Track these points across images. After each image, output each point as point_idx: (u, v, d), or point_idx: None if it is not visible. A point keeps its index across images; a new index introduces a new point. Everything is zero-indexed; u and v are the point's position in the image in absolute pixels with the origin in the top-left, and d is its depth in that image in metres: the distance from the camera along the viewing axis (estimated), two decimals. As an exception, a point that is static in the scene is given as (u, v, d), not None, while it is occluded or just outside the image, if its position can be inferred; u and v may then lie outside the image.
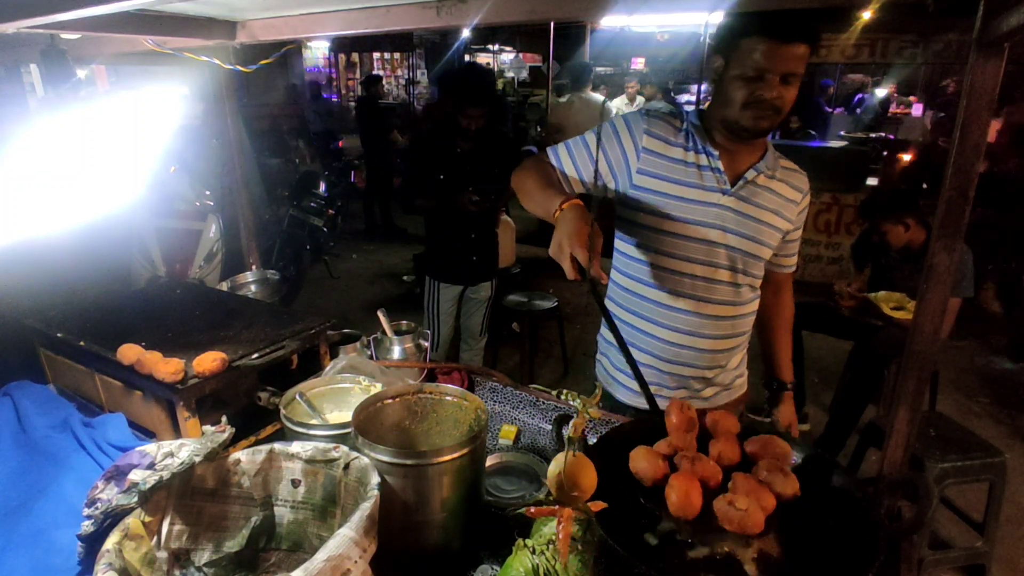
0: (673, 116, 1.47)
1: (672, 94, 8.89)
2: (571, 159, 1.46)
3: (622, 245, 1.53)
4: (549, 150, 1.50)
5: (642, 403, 1.54)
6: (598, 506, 0.90)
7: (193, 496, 1.06)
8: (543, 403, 1.71)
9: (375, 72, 11.96)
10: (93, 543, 0.92)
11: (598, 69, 9.43)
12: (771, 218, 1.45)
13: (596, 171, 1.43)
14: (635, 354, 1.51)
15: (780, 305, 1.68)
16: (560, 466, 0.91)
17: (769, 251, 1.49)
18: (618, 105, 6.94)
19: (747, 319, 1.55)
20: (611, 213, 1.46)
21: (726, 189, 1.41)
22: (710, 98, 1.47)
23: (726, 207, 1.42)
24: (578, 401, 0.97)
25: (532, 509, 0.98)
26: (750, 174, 1.42)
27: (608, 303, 1.58)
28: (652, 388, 1.52)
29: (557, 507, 0.92)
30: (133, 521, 0.94)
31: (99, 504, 0.95)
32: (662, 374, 1.53)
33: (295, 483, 1.09)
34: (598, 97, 6.02)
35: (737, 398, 1.65)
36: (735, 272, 1.45)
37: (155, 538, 0.99)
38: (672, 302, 1.46)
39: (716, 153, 1.41)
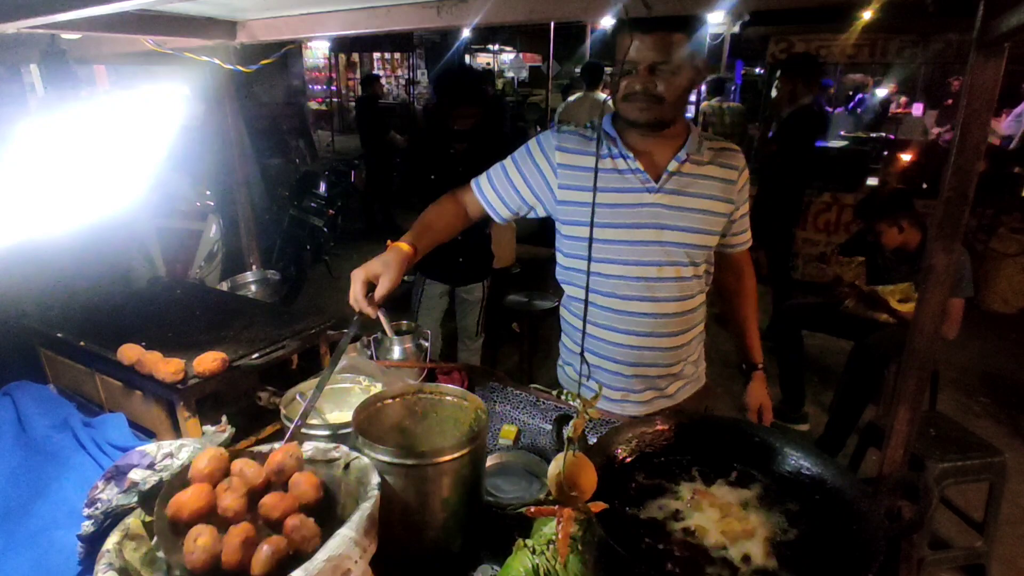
0: (584, 128, 1.49)
1: None
2: (493, 189, 1.51)
3: (565, 260, 1.53)
4: (472, 182, 1.54)
5: (608, 409, 1.56)
6: (598, 506, 0.90)
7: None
8: (543, 403, 1.71)
9: (374, 72, 11.95)
10: (93, 543, 0.92)
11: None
12: (709, 204, 1.44)
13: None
14: (598, 362, 1.53)
15: (742, 287, 1.68)
16: (560, 466, 0.91)
17: (715, 238, 1.48)
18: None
19: (701, 308, 1.55)
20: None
21: (651, 187, 1.41)
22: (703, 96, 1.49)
23: (657, 204, 1.41)
24: (578, 401, 0.97)
25: (532, 509, 0.98)
26: (672, 165, 1.41)
27: (564, 312, 1.62)
28: (619, 394, 1.55)
29: (557, 507, 0.92)
30: (133, 521, 0.94)
31: (99, 504, 0.95)
32: (627, 378, 1.52)
33: (295, 483, 1.09)
34: (601, 96, 6.06)
35: (700, 390, 1.65)
36: (681, 266, 1.44)
37: (155, 538, 0.99)
38: (625, 307, 1.46)
39: (631, 154, 1.41)
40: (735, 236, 1.57)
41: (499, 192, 1.50)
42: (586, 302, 1.49)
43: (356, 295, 1.27)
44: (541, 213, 1.53)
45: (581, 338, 1.53)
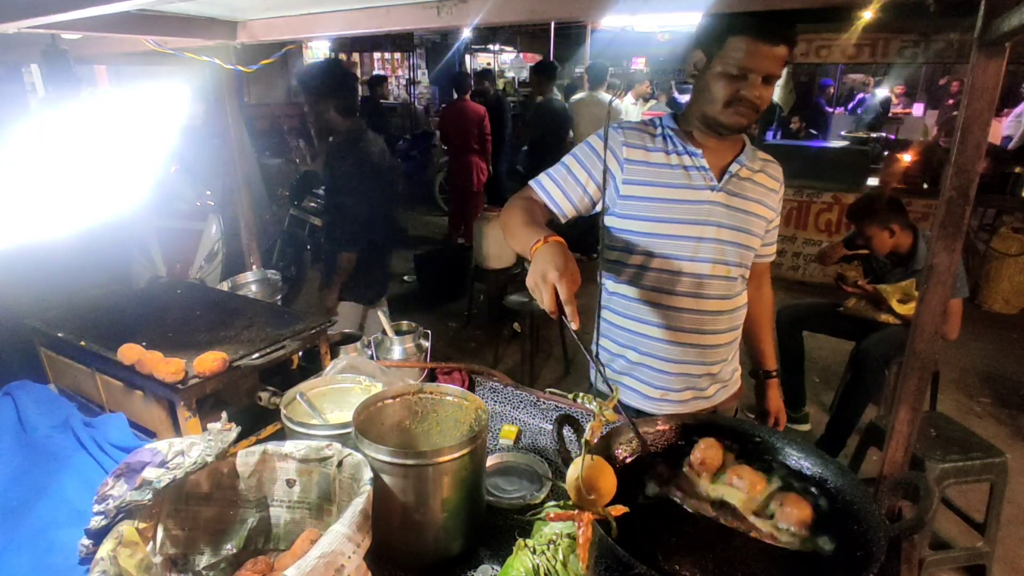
0: (646, 124, 1.50)
1: (677, 94, 8.89)
2: (557, 187, 1.47)
3: (615, 255, 1.52)
4: (532, 183, 1.51)
5: (645, 408, 1.55)
6: (618, 510, 0.89)
7: (188, 501, 1.05)
8: (544, 403, 1.71)
9: (377, 72, 11.95)
10: (101, 539, 0.92)
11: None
12: (757, 208, 1.49)
13: (605, 169, 1.43)
14: (639, 358, 1.53)
15: (761, 296, 1.72)
16: (578, 470, 0.90)
17: (759, 241, 1.52)
18: (626, 105, 6.98)
19: (743, 310, 1.57)
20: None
21: (714, 185, 1.44)
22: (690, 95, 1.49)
23: (716, 203, 1.44)
24: (595, 404, 0.96)
25: (552, 514, 0.96)
26: (734, 167, 1.45)
27: (606, 312, 1.59)
28: (658, 392, 1.54)
29: (577, 511, 0.91)
30: (127, 528, 0.93)
31: (111, 500, 0.95)
32: (668, 376, 1.52)
33: (290, 483, 1.09)
34: (606, 97, 6.09)
35: (734, 393, 1.67)
36: (730, 265, 1.48)
37: (150, 544, 0.99)
38: (672, 302, 1.47)
39: (699, 152, 1.43)
40: (767, 246, 1.61)
41: (564, 189, 1.47)
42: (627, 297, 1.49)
43: (556, 302, 1.06)
44: (599, 208, 1.49)
45: (595, 332, 1.53)
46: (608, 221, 1.49)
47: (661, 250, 1.44)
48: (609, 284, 1.56)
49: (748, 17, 1.26)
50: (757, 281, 1.68)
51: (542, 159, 4.87)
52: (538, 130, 6.06)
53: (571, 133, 6.07)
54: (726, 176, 1.44)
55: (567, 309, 1.04)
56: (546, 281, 1.06)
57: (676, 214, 1.43)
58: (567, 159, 1.49)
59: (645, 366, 1.53)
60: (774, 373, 1.76)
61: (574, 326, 1.04)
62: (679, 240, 1.44)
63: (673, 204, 1.43)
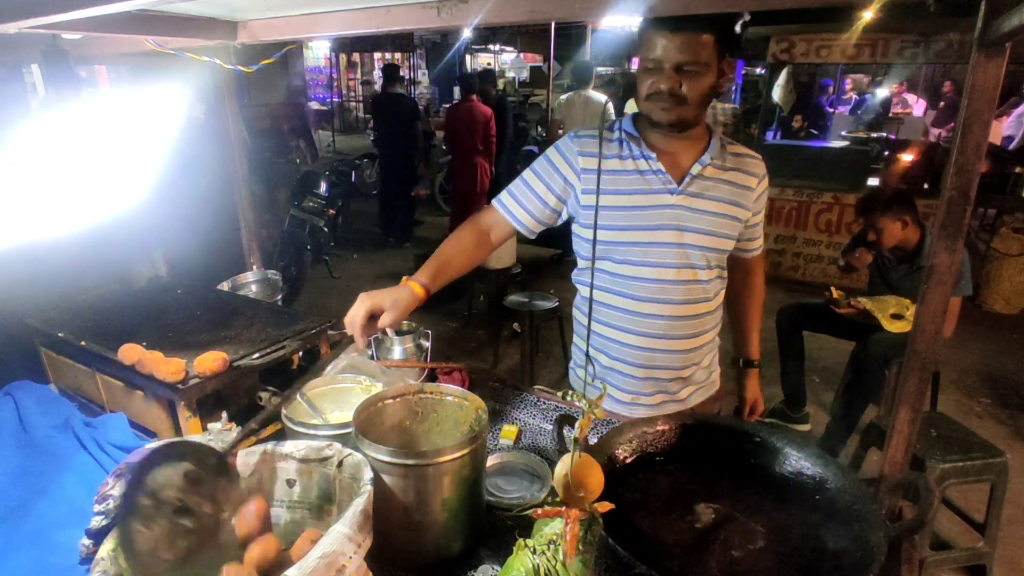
0: (605, 130, 1.48)
1: None
2: (517, 202, 1.49)
3: (583, 262, 1.54)
4: (494, 202, 1.52)
5: (617, 411, 1.56)
6: (605, 507, 0.89)
7: (188, 500, 1.05)
8: (544, 403, 1.71)
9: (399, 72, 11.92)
10: (101, 539, 0.92)
11: (599, 69, 9.44)
12: (728, 209, 1.43)
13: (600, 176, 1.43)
14: (610, 363, 1.53)
15: (750, 286, 1.69)
16: (566, 467, 0.90)
17: (731, 242, 1.48)
18: (631, 107, 6.97)
19: (717, 312, 1.55)
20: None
21: (673, 188, 1.40)
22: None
23: (678, 206, 1.40)
24: (583, 402, 0.97)
25: (539, 511, 0.97)
26: (695, 169, 1.40)
27: (576, 312, 1.61)
28: (629, 396, 1.55)
29: (564, 508, 0.91)
30: None
31: (111, 500, 0.95)
32: (638, 381, 1.52)
33: (290, 483, 1.09)
34: (600, 97, 6.06)
35: (713, 395, 1.65)
36: (697, 269, 1.44)
37: (152, 542, 0.99)
38: (640, 308, 1.45)
39: (653, 155, 1.40)
40: (749, 241, 1.58)
41: (524, 204, 1.48)
42: (591, 301, 1.49)
43: (354, 320, 1.22)
44: (564, 218, 1.52)
45: (588, 337, 1.53)
46: (574, 230, 1.51)
47: (623, 257, 1.43)
48: (583, 289, 1.57)
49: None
50: (746, 274, 1.67)
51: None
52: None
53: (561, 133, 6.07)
54: (688, 178, 1.40)
55: (352, 329, 1.22)
56: (360, 299, 1.23)
57: (634, 221, 1.41)
58: (526, 174, 1.50)
59: (615, 371, 1.53)
60: (756, 363, 1.73)
61: (360, 343, 1.23)
62: (640, 246, 1.41)
63: (630, 211, 1.41)
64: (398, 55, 16.28)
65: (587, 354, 1.54)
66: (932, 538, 2.57)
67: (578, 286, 1.58)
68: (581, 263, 1.55)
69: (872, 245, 3.13)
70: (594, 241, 1.44)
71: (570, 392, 1.03)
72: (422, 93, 14.38)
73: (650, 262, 1.42)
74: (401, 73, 7.89)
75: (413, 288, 1.30)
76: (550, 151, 1.48)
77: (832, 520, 0.94)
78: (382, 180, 7.34)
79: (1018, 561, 2.57)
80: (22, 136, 1.56)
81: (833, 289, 3.29)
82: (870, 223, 3.07)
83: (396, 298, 1.25)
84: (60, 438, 1.38)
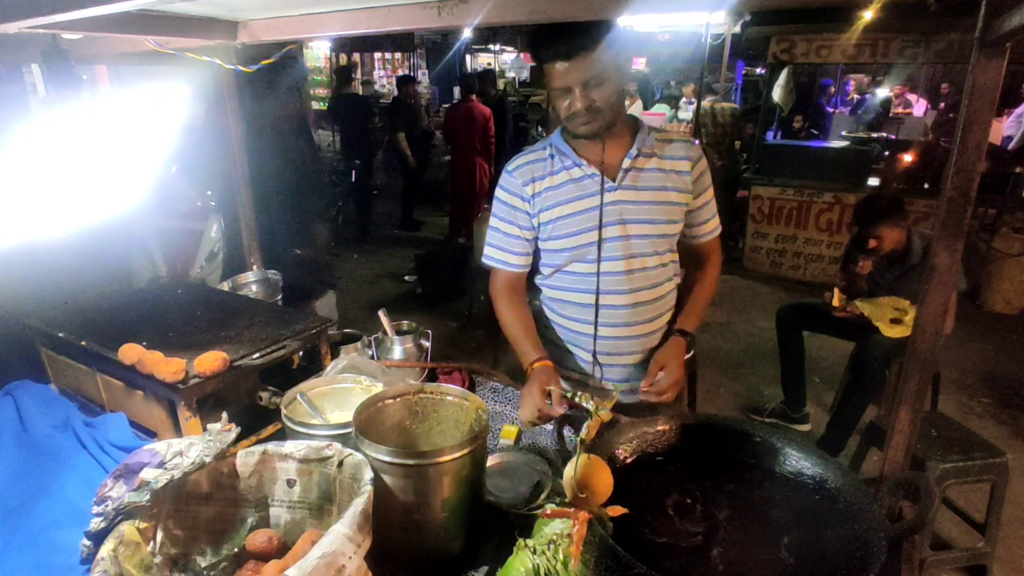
0: (531, 153, 1.58)
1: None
2: (502, 251, 1.61)
3: (546, 269, 1.63)
4: (485, 260, 1.64)
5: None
6: (616, 511, 0.89)
7: (188, 501, 1.05)
8: (544, 403, 1.71)
9: (407, 73, 11.98)
10: (101, 541, 0.92)
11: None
12: (666, 195, 1.51)
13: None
14: (579, 353, 1.63)
15: (704, 272, 1.70)
16: (574, 469, 0.90)
17: (676, 227, 1.54)
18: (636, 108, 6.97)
19: (672, 294, 1.63)
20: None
21: (610, 186, 1.48)
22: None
23: (619, 202, 1.48)
24: (591, 404, 0.97)
25: (548, 511, 0.97)
26: (626, 163, 1.48)
27: (544, 309, 1.70)
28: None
29: (572, 510, 0.91)
30: (128, 528, 0.94)
31: (109, 502, 0.95)
32: (605, 368, 1.61)
33: (290, 483, 1.09)
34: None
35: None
36: (646, 257, 1.52)
37: (151, 543, 0.99)
38: (603, 301, 1.54)
39: (584, 161, 1.49)
40: (700, 226, 1.62)
41: (507, 249, 1.60)
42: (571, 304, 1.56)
43: (539, 407, 1.35)
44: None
45: (594, 343, 1.61)
46: (540, 246, 1.61)
47: (579, 259, 1.53)
48: (547, 291, 1.66)
49: (537, 49, 1.38)
50: (700, 260, 1.68)
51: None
52: None
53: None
54: (621, 173, 1.48)
55: (545, 412, 1.35)
56: (528, 395, 1.38)
57: (579, 224, 1.50)
58: (493, 222, 1.62)
59: (584, 361, 1.63)
60: (687, 335, 1.56)
61: (559, 412, 1.32)
62: (589, 247, 1.51)
63: (574, 217, 1.50)
64: (398, 55, 16.27)
65: (594, 355, 1.59)
66: (932, 538, 2.57)
67: (545, 288, 1.68)
68: (547, 270, 1.65)
69: (871, 252, 3.12)
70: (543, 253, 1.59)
71: (578, 394, 1.03)
72: (422, 93, 14.37)
73: (602, 258, 1.51)
74: (352, 75, 8.43)
75: (546, 365, 1.46)
76: (499, 194, 1.60)
77: (832, 520, 0.94)
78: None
79: (1018, 561, 2.57)
80: (22, 136, 1.56)
81: (836, 291, 3.28)
82: (871, 232, 3.06)
83: (549, 374, 1.42)
84: (60, 438, 1.38)
